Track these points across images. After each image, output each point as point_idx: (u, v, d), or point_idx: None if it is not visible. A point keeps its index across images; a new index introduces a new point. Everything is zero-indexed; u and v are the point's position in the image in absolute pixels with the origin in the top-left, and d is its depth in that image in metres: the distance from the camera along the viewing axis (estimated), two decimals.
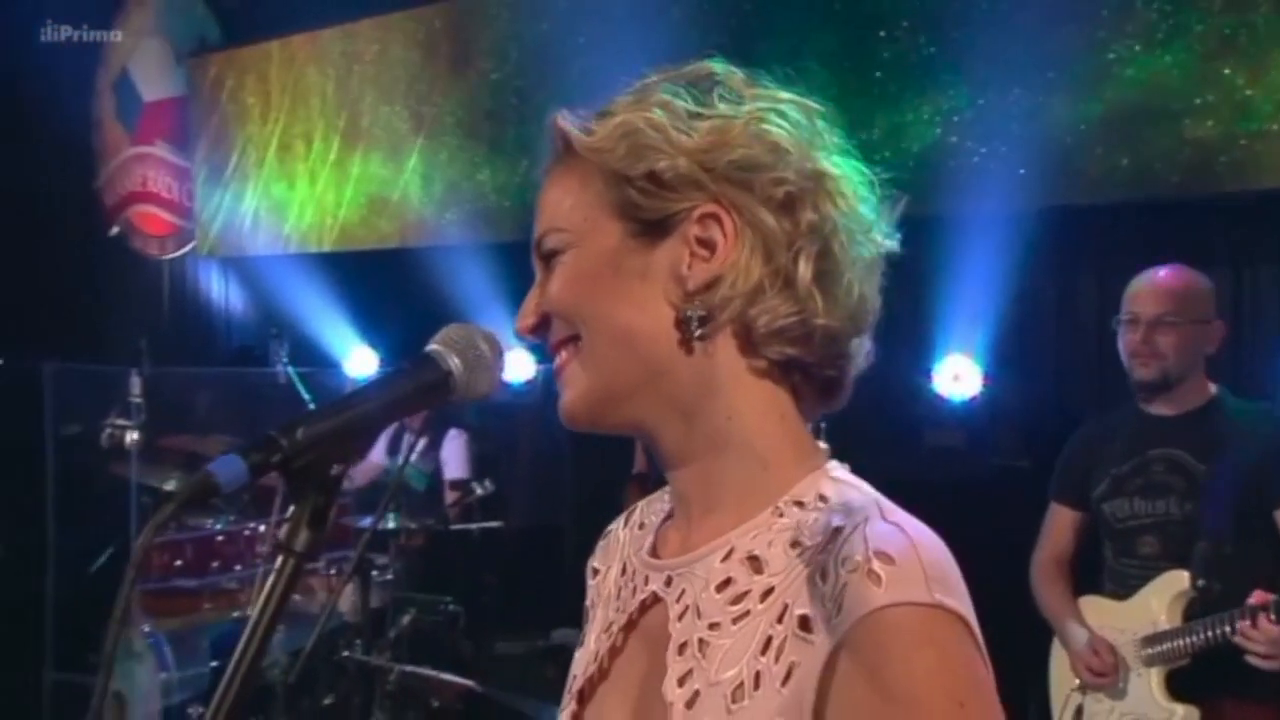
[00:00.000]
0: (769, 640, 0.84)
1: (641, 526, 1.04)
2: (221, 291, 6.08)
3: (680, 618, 0.90)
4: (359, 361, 5.16)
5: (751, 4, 4.17)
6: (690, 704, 0.86)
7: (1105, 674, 2.66)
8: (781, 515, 0.89)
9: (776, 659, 0.83)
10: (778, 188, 0.89)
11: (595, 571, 1.07)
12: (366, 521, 4.25)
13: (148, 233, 6.26)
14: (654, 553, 0.98)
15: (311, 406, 4.23)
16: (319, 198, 5.40)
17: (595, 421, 0.93)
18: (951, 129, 3.90)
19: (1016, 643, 3.14)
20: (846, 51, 3.97)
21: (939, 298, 3.86)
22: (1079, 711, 2.75)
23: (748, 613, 0.86)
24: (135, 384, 4.27)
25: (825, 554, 0.83)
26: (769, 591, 0.86)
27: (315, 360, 4.95)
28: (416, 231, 5.09)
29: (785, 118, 0.91)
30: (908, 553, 0.80)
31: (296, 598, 4.72)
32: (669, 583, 0.93)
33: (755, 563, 0.87)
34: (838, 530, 0.83)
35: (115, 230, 6.31)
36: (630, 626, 0.96)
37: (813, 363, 0.91)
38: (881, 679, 0.78)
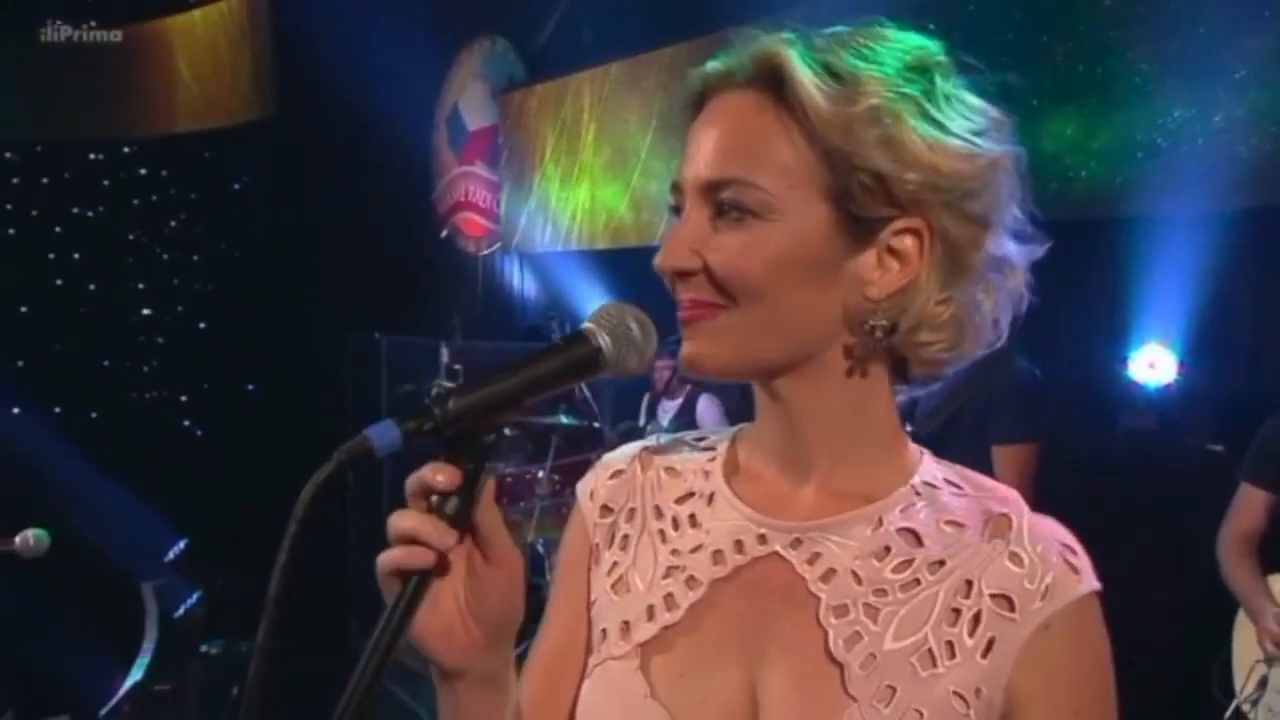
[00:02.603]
0: (956, 612, 0.76)
1: (672, 472, 0.87)
2: (519, 281, 6.30)
3: (825, 579, 0.78)
4: None
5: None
6: (866, 665, 0.75)
7: None
8: (919, 494, 0.79)
9: (971, 632, 0.75)
10: (984, 228, 0.76)
11: (607, 510, 0.88)
12: None
13: (468, 234, 6.58)
14: (753, 508, 0.82)
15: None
16: (595, 203, 5.49)
17: (722, 377, 0.79)
18: (1154, 131, 3.46)
19: (1202, 614, 2.78)
20: (1045, 55, 3.59)
21: (1137, 291, 3.49)
22: (1263, 682, 2.47)
23: (918, 581, 0.77)
24: (444, 353, 4.49)
25: (1003, 539, 0.77)
26: (939, 564, 0.77)
27: None
28: None
29: (1000, 144, 0.77)
30: (1079, 545, 0.79)
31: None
32: (796, 544, 0.79)
33: (912, 536, 0.78)
34: (1004, 516, 0.78)
35: (445, 233, 6.67)
36: (721, 578, 0.81)
37: (930, 378, 0.81)
38: (1086, 653, 0.77)
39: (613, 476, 0.89)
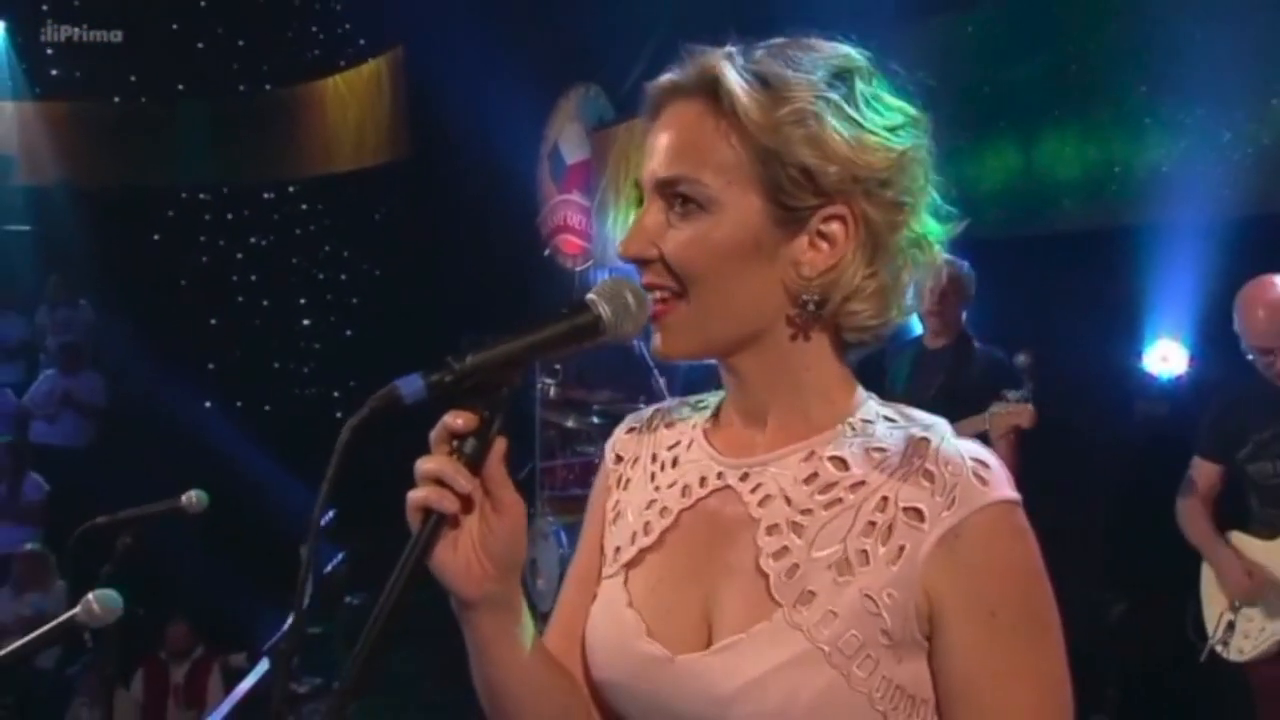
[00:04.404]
0: (872, 525, 0.75)
1: (669, 426, 0.90)
2: None
3: (762, 504, 0.80)
4: None
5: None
6: (790, 574, 0.77)
7: (1259, 592, 2.42)
8: (854, 429, 0.80)
9: (884, 541, 0.75)
10: (901, 209, 0.77)
11: (619, 458, 0.93)
12: None
13: (566, 253, 6.75)
14: (718, 451, 0.85)
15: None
16: None
17: (690, 361, 0.82)
18: (1167, 143, 3.37)
19: (1180, 569, 2.74)
20: (1063, 68, 3.51)
21: (1151, 291, 3.42)
22: (1230, 626, 2.52)
23: (840, 500, 0.77)
24: None
25: (920, 458, 0.76)
26: (859, 484, 0.77)
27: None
28: None
29: (915, 138, 0.78)
30: (993, 460, 0.77)
31: None
32: (744, 477, 0.82)
33: (840, 463, 0.79)
34: (923, 440, 0.77)
35: (547, 252, 6.86)
36: (686, 508, 0.84)
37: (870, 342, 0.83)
38: (996, 556, 0.74)
39: (628, 432, 0.94)
